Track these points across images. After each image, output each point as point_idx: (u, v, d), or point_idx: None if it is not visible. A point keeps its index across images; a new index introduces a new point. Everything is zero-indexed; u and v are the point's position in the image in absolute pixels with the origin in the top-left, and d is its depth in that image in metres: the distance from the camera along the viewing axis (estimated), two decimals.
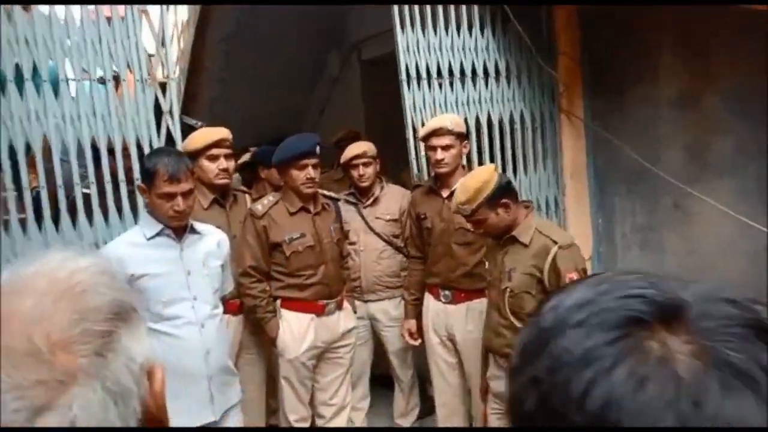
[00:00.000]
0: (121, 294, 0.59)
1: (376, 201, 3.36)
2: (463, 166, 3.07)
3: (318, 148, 2.87)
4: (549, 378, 0.47)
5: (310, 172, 2.83)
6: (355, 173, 3.33)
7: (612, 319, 0.46)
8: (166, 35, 2.78)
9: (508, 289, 2.42)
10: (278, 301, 2.89)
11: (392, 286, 3.33)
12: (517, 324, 2.43)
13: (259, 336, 2.99)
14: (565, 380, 0.45)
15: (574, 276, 2.28)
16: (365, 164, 3.31)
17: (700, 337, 0.45)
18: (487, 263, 2.61)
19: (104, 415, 0.52)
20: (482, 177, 2.43)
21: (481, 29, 3.51)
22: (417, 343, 3.17)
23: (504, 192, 2.41)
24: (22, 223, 2.51)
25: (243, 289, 2.82)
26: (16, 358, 0.50)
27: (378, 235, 3.33)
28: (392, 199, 3.38)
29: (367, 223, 3.34)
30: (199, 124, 4.28)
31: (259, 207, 2.87)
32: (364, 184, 3.33)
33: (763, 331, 0.45)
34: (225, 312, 2.51)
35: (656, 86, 3.44)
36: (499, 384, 2.57)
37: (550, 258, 2.35)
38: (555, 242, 2.37)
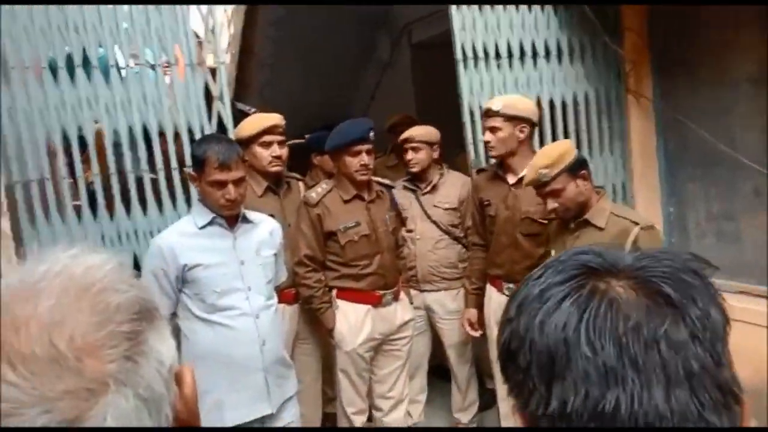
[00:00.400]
0: (142, 292, 0.54)
1: (434, 188, 3.24)
2: (533, 151, 2.88)
3: (372, 134, 2.76)
4: (517, 314, 0.58)
5: (364, 158, 2.72)
6: (405, 157, 3.24)
7: (566, 268, 0.58)
8: (216, 20, 2.70)
9: None
10: (334, 292, 2.80)
11: (450, 278, 3.21)
12: None
13: (315, 326, 2.92)
14: (529, 313, 0.57)
15: None
16: (414, 149, 3.20)
17: (638, 279, 0.56)
18: (553, 251, 2.44)
19: (139, 424, 0.48)
20: (563, 145, 2.37)
21: (541, 6, 3.31)
22: (478, 334, 3.03)
23: (583, 164, 2.32)
24: (77, 210, 2.48)
25: (298, 279, 2.75)
26: (39, 366, 0.45)
27: (435, 223, 3.20)
28: (452, 186, 3.24)
29: (424, 210, 3.22)
30: (252, 110, 4.23)
31: (313, 195, 2.78)
32: (413, 169, 3.23)
33: (697, 274, 0.56)
34: (280, 302, 2.44)
35: (733, 62, 3.18)
36: None
37: (630, 239, 2.18)
38: (635, 223, 2.21)
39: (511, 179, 2.81)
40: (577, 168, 2.29)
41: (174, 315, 2.18)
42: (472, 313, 3.02)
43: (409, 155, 3.21)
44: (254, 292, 2.19)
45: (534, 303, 0.57)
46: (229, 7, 5.42)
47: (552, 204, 2.30)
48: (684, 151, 3.52)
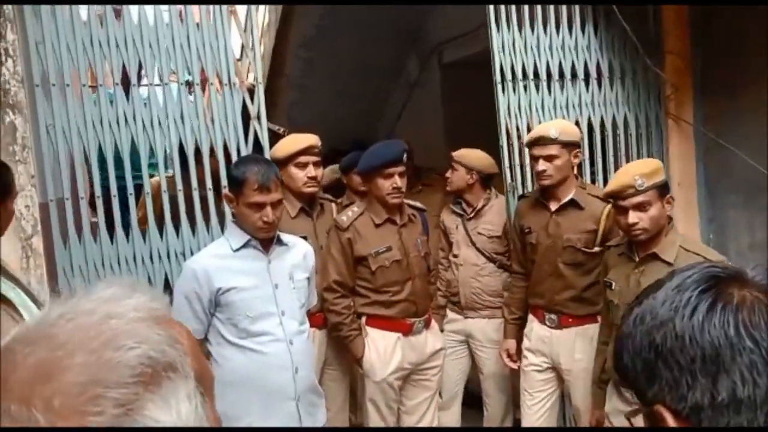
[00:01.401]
0: (159, 347, 0.48)
1: (478, 214, 3.17)
2: (576, 177, 2.79)
3: (405, 156, 2.70)
4: (659, 323, 0.66)
5: (397, 181, 2.65)
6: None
7: (700, 279, 0.67)
8: (254, 38, 2.68)
9: None
10: (363, 318, 2.73)
11: (493, 306, 3.11)
12: None
13: (343, 351, 2.84)
14: (681, 318, 0.65)
15: None
16: (452, 168, 3.17)
17: (764, 287, 0.66)
18: (614, 283, 2.32)
19: None
20: (658, 162, 2.31)
21: (582, 27, 3.25)
22: (516, 366, 2.93)
23: (669, 189, 2.26)
24: (110, 229, 2.45)
25: (327, 305, 2.68)
26: (12, 423, 0.42)
27: (478, 250, 3.13)
28: (497, 213, 3.16)
29: (468, 235, 3.15)
30: (282, 129, 4.22)
31: (344, 218, 2.71)
32: (448, 188, 3.21)
33: None
34: (320, 327, 2.36)
35: None
36: (623, 421, 2.30)
37: None
38: (709, 261, 2.10)
39: (554, 206, 2.72)
40: (666, 191, 2.20)
41: (205, 340, 2.12)
42: (511, 344, 2.92)
43: (448, 173, 3.18)
44: (288, 317, 2.13)
45: (685, 309, 0.65)
46: (262, 25, 5.44)
47: (634, 218, 2.14)
48: (725, 177, 3.41)
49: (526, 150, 2.92)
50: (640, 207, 2.14)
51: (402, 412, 2.84)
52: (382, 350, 2.69)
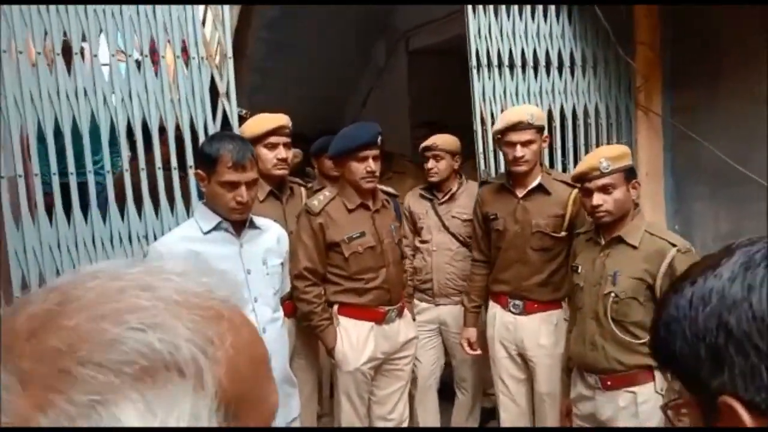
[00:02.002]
0: (174, 340, 0.38)
1: (452, 198, 3.11)
2: (542, 164, 2.78)
3: (380, 139, 2.62)
4: (718, 297, 0.60)
5: (371, 164, 2.56)
6: (426, 166, 3.11)
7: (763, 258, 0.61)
8: (224, 10, 2.54)
9: (612, 294, 2.16)
10: (335, 307, 2.64)
11: None
12: (620, 335, 2.15)
13: (312, 340, 2.74)
14: (760, 299, 0.58)
15: None
16: (436, 157, 3.06)
17: None
18: (580, 267, 2.32)
19: None
20: (625, 148, 2.35)
21: (557, 15, 3.23)
22: (477, 353, 2.91)
23: (635, 175, 2.29)
24: (67, 211, 2.29)
25: (297, 294, 2.57)
26: None
27: (453, 234, 3.07)
28: (470, 197, 3.11)
29: (441, 220, 3.09)
30: (245, 112, 4.07)
31: (315, 203, 2.61)
32: (433, 179, 3.10)
33: None
34: (289, 316, 2.27)
35: (748, 80, 3.13)
36: (589, 405, 2.30)
37: (666, 262, 2.08)
38: (673, 245, 2.11)
39: (521, 192, 2.70)
40: (632, 176, 2.24)
41: None
42: (472, 332, 2.90)
43: (430, 164, 3.07)
44: (261, 304, 2.03)
45: (762, 287, 0.58)
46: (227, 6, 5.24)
47: (598, 200, 2.18)
48: (693, 168, 3.45)
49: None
50: (605, 189, 2.17)
51: (373, 402, 2.77)
52: (354, 340, 2.60)
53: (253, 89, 5.87)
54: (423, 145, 3.09)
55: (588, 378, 2.30)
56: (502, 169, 3.02)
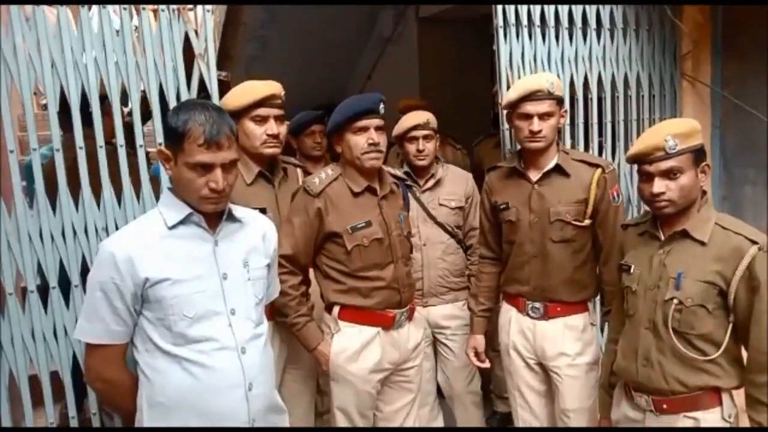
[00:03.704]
0: None
1: (438, 183, 2.73)
2: (558, 143, 2.35)
3: (382, 107, 2.19)
4: None
5: (373, 135, 2.14)
6: (412, 148, 2.69)
7: None
8: None
9: (675, 301, 1.76)
10: (335, 310, 2.24)
11: (456, 288, 2.74)
12: (683, 350, 1.76)
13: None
14: None
15: None
16: (426, 137, 2.67)
17: None
18: (633, 266, 1.92)
19: None
20: (696, 123, 1.85)
21: None
22: (485, 365, 2.53)
23: (705, 157, 1.84)
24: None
25: None
26: None
27: (441, 225, 2.70)
28: (456, 182, 2.75)
29: (427, 210, 2.70)
30: (225, 74, 3.64)
31: (316, 181, 2.19)
32: (423, 162, 2.70)
33: None
34: (271, 318, 1.87)
35: None
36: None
37: (744, 262, 1.67)
38: (753, 242, 1.69)
39: (534, 175, 2.30)
40: (702, 157, 1.81)
41: (131, 344, 1.60)
42: (480, 340, 2.52)
43: (421, 144, 2.67)
44: (239, 318, 1.62)
45: None
46: None
47: (661, 187, 1.77)
48: (745, 148, 3.03)
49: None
50: (669, 173, 1.77)
51: (379, 419, 2.38)
52: (357, 348, 2.21)
53: (250, 59, 5.49)
54: (413, 123, 2.67)
55: (637, 398, 1.91)
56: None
